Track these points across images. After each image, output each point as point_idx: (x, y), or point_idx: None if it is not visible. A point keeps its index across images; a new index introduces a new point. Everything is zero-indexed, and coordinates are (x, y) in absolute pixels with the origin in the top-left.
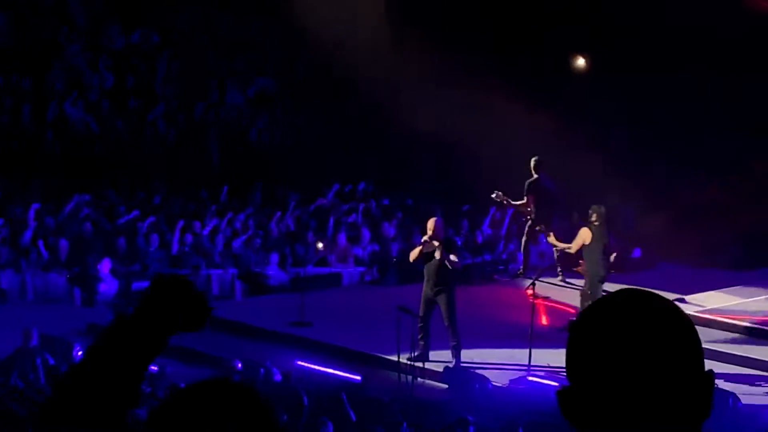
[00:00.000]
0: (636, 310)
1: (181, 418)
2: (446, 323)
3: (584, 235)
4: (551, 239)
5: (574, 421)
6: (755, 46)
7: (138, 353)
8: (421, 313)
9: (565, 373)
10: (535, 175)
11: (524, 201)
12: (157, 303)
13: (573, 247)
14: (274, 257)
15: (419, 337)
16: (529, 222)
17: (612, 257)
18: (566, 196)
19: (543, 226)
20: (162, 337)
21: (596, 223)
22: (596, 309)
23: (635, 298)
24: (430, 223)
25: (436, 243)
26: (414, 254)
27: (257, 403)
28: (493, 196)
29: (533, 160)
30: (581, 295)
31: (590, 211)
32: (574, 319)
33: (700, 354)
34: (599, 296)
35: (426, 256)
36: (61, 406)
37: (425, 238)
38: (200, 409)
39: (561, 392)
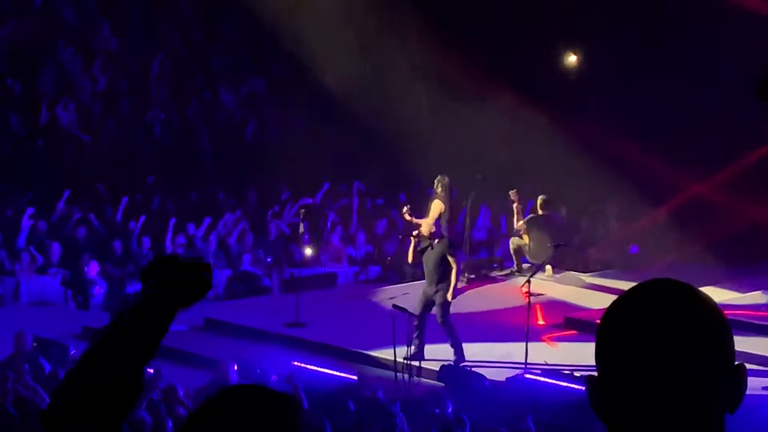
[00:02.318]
0: (666, 300)
1: (226, 424)
2: (440, 321)
3: (438, 206)
4: (406, 216)
5: (600, 411)
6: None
7: (145, 332)
8: (417, 312)
9: (568, 370)
10: (540, 212)
11: (519, 224)
12: (156, 286)
13: (430, 218)
14: (268, 258)
15: (414, 335)
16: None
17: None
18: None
19: (407, 207)
20: (168, 314)
21: (442, 194)
22: (626, 299)
23: (665, 288)
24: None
25: (425, 234)
26: (410, 255)
27: (297, 412)
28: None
29: (540, 198)
30: None
31: (436, 182)
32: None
33: (731, 346)
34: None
35: (422, 253)
36: (71, 394)
37: (414, 233)
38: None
39: (589, 380)
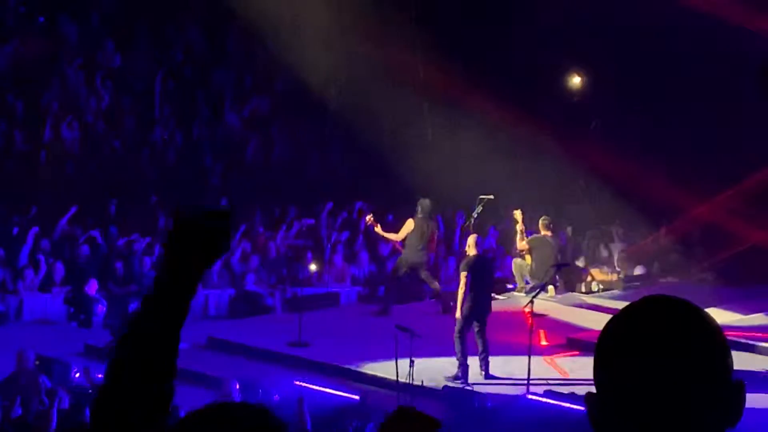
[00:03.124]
0: (662, 316)
1: None
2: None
3: (409, 225)
4: (378, 229)
5: (599, 428)
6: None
7: (178, 296)
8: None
9: (570, 390)
10: (543, 233)
11: (522, 243)
12: (180, 242)
13: (400, 234)
14: (272, 278)
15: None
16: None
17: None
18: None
19: (371, 216)
20: (194, 270)
21: (419, 216)
22: (623, 316)
23: (661, 305)
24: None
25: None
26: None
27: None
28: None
29: (543, 218)
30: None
31: (418, 204)
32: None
33: (729, 361)
34: (399, 275)
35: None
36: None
37: None
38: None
39: (589, 398)
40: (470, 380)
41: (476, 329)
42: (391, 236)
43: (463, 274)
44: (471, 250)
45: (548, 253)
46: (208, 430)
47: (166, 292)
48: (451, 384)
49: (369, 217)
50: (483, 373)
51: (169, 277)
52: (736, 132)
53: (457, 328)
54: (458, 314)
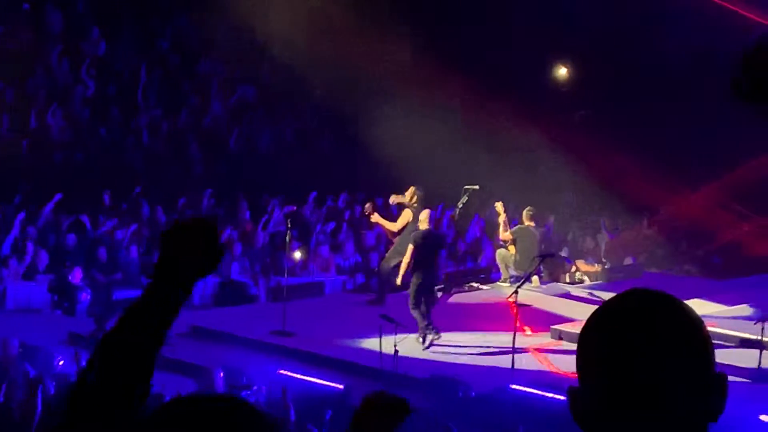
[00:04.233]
0: (644, 309)
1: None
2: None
3: (407, 215)
4: (375, 218)
5: (581, 422)
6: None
7: (163, 307)
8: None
9: (552, 382)
10: (528, 223)
11: (506, 234)
12: (172, 252)
13: (398, 225)
14: (256, 266)
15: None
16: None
17: None
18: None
19: (369, 205)
20: (184, 285)
21: (415, 205)
22: (605, 309)
23: (643, 297)
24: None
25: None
26: (399, 278)
27: (261, 421)
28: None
29: (527, 209)
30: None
31: (409, 193)
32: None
33: (710, 354)
34: (391, 265)
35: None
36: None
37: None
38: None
39: (571, 391)
40: (451, 360)
41: (423, 301)
42: (390, 225)
43: (410, 247)
44: (423, 224)
45: (532, 243)
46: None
47: (153, 298)
48: (435, 374)
49: (368, 206)
50: (423, 345)
51: (157, 284)
52: (719, 127)
53: (410, 303)
54: (399, 281)
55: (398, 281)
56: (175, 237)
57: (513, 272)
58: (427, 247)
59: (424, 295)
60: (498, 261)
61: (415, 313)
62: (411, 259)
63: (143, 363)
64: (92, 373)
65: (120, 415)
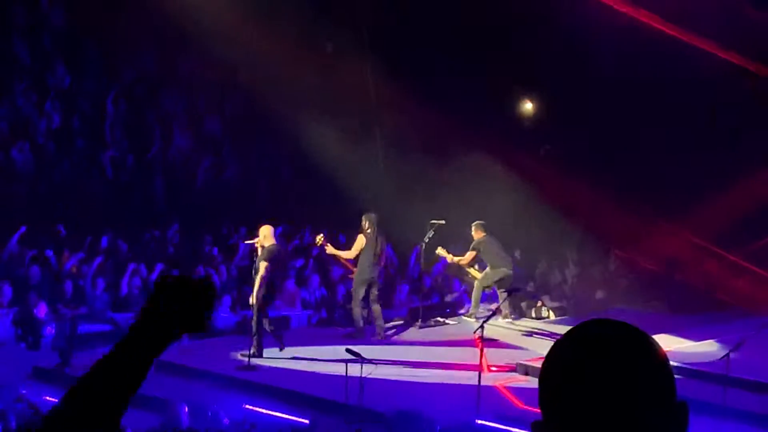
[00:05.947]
0: (604, 339)
1: None
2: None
3: (360, 241)
4: (330, 249)
5: None
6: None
7: (140, 357)
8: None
9: (517, 418)
10: (482, 235)
11: (465, 257)
12: (161, 304)
13: (352, 252)
14: (226, 299)
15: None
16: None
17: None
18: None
19: (321, 236)
20: (165, 339)
21: (368, 231)
22: (565, 340)
23: (603, 327)
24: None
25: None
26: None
27: None
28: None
29: (475, 223)
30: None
31: (363, 219)
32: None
33: (672, 383)
34: (360, 297)
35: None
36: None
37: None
38: None
39: (534, 425)
40: (416, 394)
41: (265, 317)
42: (344, 254)
43: (263, 264)
44: (268, 240)
45: (498, 246)
46: None
47: (131, 348)
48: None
49: (319, 237)
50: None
51: (138, 335)
52: (689, 165)
53: (254, 319)
54: (253, 300)
55: (252, 300)
56: (172, 292)
57: (495, 288)
58: (274, 261)
59: (268, 306)
60: (472, 294)
61: (255, 327)
62: (266, 275)
63: (113, 413)
64: (60, 419)
65: None
